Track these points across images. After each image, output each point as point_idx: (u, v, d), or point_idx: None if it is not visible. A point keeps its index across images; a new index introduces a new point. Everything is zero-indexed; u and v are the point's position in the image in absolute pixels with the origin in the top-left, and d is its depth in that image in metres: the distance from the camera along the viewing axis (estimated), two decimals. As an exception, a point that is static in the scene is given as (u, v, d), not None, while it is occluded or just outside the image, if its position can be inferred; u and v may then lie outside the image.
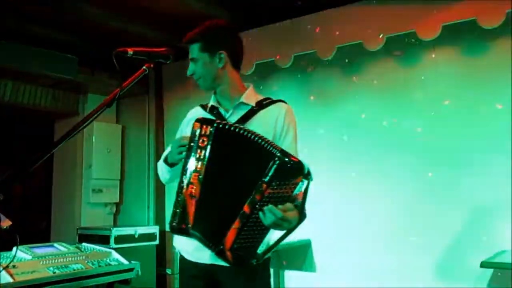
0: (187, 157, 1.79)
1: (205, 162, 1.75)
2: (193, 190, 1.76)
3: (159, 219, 5.39)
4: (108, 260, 3.04)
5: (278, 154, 1.63)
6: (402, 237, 3.75)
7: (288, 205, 1.65)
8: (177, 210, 1.79)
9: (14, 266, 2.54)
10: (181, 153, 1.83)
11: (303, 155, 1.83)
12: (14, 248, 2.62)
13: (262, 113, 1.97)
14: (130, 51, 1.73)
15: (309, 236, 4.22)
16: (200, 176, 1.76)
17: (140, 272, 3.09)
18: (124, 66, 1.73)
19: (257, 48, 4.19)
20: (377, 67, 4.03)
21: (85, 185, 5.59)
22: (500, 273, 3.26)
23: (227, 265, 1.78)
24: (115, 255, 3.15)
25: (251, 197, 1.65)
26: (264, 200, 1.63)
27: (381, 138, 3.94)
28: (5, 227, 1.48)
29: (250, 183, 1.67)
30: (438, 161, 3.67)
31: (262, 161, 1.65)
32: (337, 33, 3.88)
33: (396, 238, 3.78)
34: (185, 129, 2.06)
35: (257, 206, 1.64)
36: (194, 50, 1.98)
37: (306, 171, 1.63)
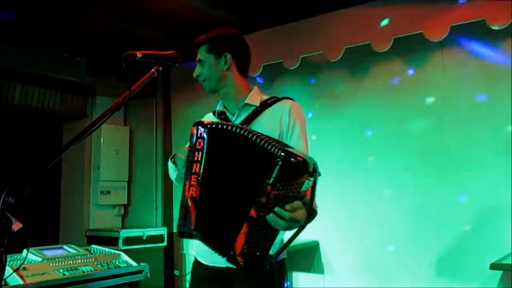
0: (188, 161, 1.81)
1: (202, 164, 1.77)
2: (193, 193, 1.78)
3: (167, 220, 5.40)
4: (117, 262, 3.05)
5: (280, 154, 1.57)
6: (410, 238, 3.74)
7: (296, 203, 1.60)
8: (182, 214, 1.82)
9: (24, 268, 2.56)
10: (183, 167, 1.87)
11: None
12: (25, 251, 2.65)
13: (266, 112, 1.98)
14: (139, 54, 1.75)
15: (317, 238, 4.21)
16: (199, 178, 1.77)
17: (149, 274, 3.10)
18: (132, 68, 1.74)
19: (264, 50, 4.18)
20: (384, 68, 4.02)
21: (93, 187, 5.62)
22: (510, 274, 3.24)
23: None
24: (124, 257, 3.16)
25: (257, 200, 1.61)
26: (270, 202, 1.59)
27: (388, 139, 3.93)
28: (16, 230, 1.49)
29: (253, 185, 1.63)
30: (446, 161, 3.66)
31: (263, 162, 1.61)
32: (345, 34, 3.88)
33: (404, 239, 3.77)
34: None
35: (263, 209, 1.60)
36: (202, 52, 2.01)
37: (311, 169, 1.57)
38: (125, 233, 4.69)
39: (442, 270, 3.59)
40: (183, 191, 1.81)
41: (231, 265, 1.77)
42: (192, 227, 1.79)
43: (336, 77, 4.29)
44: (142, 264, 3.11)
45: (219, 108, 2.06)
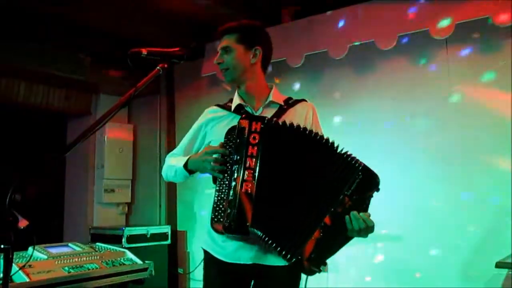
0: (235, 155, 1.76)
1: (259, 160, 1.74)
2: (248, 188, 1.72)
3: (170, 218, 5.40)
4: (122, 260, 3.05)
5: (361, 168, 1.69)
6: (415, 236, 3.73)
7: (368, 214, 1.70)
8: (230, 210, 1.73)
9: (30, 266, 2.56)
10: (217, 162, 1.79)
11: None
12: (30, 248, 2.66)
13: (291, 111, 1.99)
14: (144, 52, 1.75)
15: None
16: (255, 174, 1.73)
17: (153, 272, 3.10)
18: (137, 66, 1.74)
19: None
20: (389, 66, 4.00)
21: (97, 185, 5.62)
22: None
23: (270, 264, 1.80)
24: (129, 255, 3.17)
25: (333, 209, 1.67)
26: (344, 213, 1.66)
27: (393, 136, 3.91)
28: (22, 227, 1.49)
29: (326, 193, 1.69)
30: (451, 159, 3.64)
31: (341, 171, 1.69)
32: (349, 32, 3.86)
33: (409, 237, 3.76)
34: (204, 129, 2.07)
35: (338, 218, 1.67)
36: (230, 39, 1.98)
37: (379, 185, 1.70)
38: (129, 231, 4.69)
39: (444, 270, 3.58)
40: (232, 188, 1.74)
41: (259, 262, 1.81)
42: (247, 224, 1.71)
43: (340, 75, 4.27)
44: (147, 262, 3.11)
45: (238, 100, 2.01)
